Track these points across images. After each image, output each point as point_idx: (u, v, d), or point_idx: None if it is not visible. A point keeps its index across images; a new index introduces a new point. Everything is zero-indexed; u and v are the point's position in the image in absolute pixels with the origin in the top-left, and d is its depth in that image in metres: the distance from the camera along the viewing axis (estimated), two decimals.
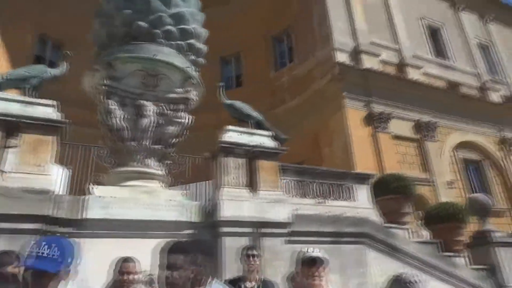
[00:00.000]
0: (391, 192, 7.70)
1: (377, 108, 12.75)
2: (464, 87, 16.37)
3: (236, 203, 5.22)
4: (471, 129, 14.91)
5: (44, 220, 4.19)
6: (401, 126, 13.08)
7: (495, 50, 19.41)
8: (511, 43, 20.43)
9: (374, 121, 12.44)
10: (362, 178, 7.49)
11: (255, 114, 6.27)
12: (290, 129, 14.28)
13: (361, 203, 7.26)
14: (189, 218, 5.05)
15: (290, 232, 5.98)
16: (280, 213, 5.49)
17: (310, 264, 2.09)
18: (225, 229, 5.09)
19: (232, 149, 5.62)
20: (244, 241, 5.13)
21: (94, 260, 3.99)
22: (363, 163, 11.26)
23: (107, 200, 4.62)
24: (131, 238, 4.66)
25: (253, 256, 3.24)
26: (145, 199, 4.91)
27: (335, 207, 6.93)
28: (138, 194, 4.97)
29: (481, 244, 8.33)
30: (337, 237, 6.52)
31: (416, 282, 5.59)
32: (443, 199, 11.80)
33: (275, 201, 5.56)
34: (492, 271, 7.98)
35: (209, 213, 5.17)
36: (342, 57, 13.31)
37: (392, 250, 6.99)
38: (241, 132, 5.87)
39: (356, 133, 11.93)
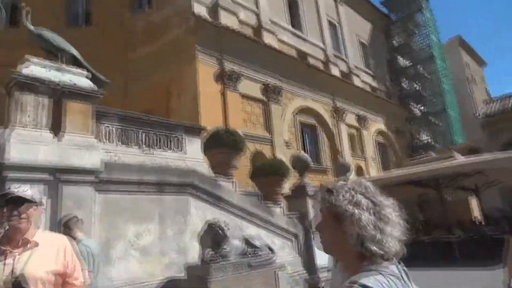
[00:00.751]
0: (223, 146, 8.00)
1: (229, 66, 12.97)
2: (311, 58, 18.01)
3: (30, 146, 4.57)
4: (311, 97, 16.67)
5: None
6: (250, 86, 13.67)
7: (341, 29, 21.80)
8: (354, 26, 23.26)
9: (225, 78, 12.65)
10: (193, 131, 7.54)
11: (69, 48, 5.50)
12: (142, 77, 13.55)
13: (190, 155, 7.33)
14: None
15: (103, 180, 5.64)
16: (89, 159, 5.06)
17: (15, 204, 1.82)
18: (13, 175, 4.42)
19: (33, 85, 4.84)
20: (39, 189, 4.58)
21: None
22: (210, 118, 11.42)
23: None
24: None
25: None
26: None
27: (162, 157, 6.82)
28: None
29: (298, 195, 9.52)
30: (160, 187, 6.49)
31: (225, 226, 5.93)
32: (280, 156, 13.02)
33: (84, 146, 5.08)
34: (302, 218, 9.25)
35: None
36: (200, 10, 12.92)
37: (216, 200, 7.35)
38: (47, 66, 5.09)
39: (205, 88, 11.96)
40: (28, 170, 4.50)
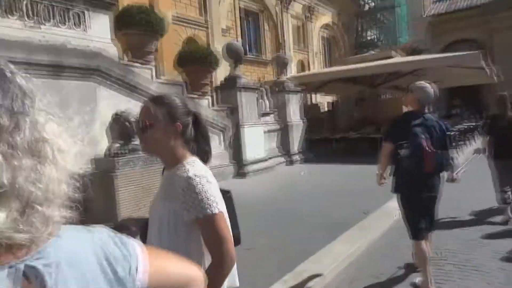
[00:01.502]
0: (137, 26, 6.85)
1: None
2: None
3: None
4: None
5: None
6: None
7: None
8: None
9: None
10: (99, 4, 6.24)
11: None
12: None
13: (96, 34, 6.18)
14: None
15: None
16: None
17: None
18: None
19: None
20: None
21: None
22: None
23: None
24: None
25: None
26: None
27: (56, 34, 5.64)
28: None
29: (229, 87, 8.94)
30: (56, 70, 5.49)
31: (134, 119, 5.29)
32: (216, 44, 11.97)
33: None
34: (233, 110, 8.85)
35: None
36: None
37: (130, 89, 6.55)
38: None
39: None
40: None
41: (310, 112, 15.38)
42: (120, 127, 5.46)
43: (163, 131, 1.22)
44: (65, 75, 5.63)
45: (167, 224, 1.20)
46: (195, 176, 1.17)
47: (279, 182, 7.99)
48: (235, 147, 8.80)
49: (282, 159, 10.53)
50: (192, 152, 1.29)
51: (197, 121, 1.32)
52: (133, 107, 6.61)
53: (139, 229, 1.46)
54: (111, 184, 5.02)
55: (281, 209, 5.67)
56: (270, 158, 9.78)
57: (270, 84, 11.65)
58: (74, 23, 5.90)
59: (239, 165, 8.76)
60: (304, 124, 11.69)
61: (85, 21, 6.07)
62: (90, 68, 5.93)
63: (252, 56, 14.40)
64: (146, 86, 6.72)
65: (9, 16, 5.11)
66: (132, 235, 1.34)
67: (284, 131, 10.77)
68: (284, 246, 3.96)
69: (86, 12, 6.07)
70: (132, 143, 5.53)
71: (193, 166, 1.22)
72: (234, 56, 9.02)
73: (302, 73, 16.07)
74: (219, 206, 1.17)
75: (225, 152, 8.65)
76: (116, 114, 5.49)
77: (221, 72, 10.05)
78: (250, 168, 8.85)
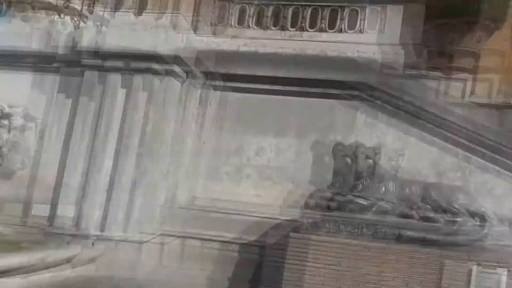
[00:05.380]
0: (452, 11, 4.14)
1: None
2: None
3: None
4: None
5: None
6: None
7: None
8: None
9: None
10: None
11: None
12: None
13: (369, 37, 4.30)
14: None
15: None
16: (166, 43, 3.95)
17: None
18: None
19: None
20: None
21: None
22: None
23: None
24: None
25: None
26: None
27: (317, 41, 4.42)
28: None
29: None
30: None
31: (368, 155, 3.15)
32: None
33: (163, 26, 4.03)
34: None
35: None
36: None
37: (410, 115, 4.05)
38: None
39: None
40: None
41: None
42: (339, 163, 3.42)
43: None
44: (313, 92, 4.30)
45: None
46: None
47: None
48: None
49: None
50: None
51: None
52: (413, 141, 4.06)
53: None
54: (283, 254, 3.15)
55: None
56: None
57: None
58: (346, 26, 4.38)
59: None
60: None
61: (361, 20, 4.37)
62: (353, 83, 4.21)
63: None
64: (440, 111, 3.91)
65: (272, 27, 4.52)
66: None
67: None
68: None
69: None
70: (357, 190, 3.31)
71: None
72: None
73: None
74: None
75: None
76: (336, 144, 3.48)
77: None
78: None
